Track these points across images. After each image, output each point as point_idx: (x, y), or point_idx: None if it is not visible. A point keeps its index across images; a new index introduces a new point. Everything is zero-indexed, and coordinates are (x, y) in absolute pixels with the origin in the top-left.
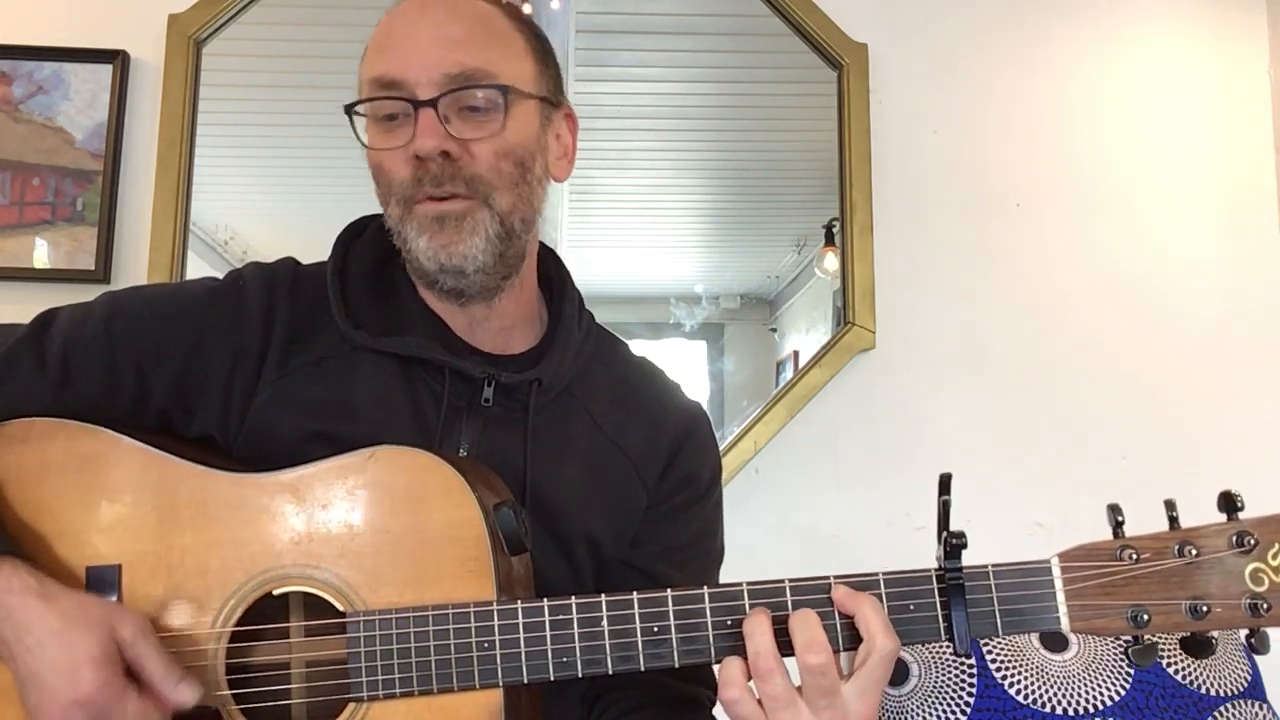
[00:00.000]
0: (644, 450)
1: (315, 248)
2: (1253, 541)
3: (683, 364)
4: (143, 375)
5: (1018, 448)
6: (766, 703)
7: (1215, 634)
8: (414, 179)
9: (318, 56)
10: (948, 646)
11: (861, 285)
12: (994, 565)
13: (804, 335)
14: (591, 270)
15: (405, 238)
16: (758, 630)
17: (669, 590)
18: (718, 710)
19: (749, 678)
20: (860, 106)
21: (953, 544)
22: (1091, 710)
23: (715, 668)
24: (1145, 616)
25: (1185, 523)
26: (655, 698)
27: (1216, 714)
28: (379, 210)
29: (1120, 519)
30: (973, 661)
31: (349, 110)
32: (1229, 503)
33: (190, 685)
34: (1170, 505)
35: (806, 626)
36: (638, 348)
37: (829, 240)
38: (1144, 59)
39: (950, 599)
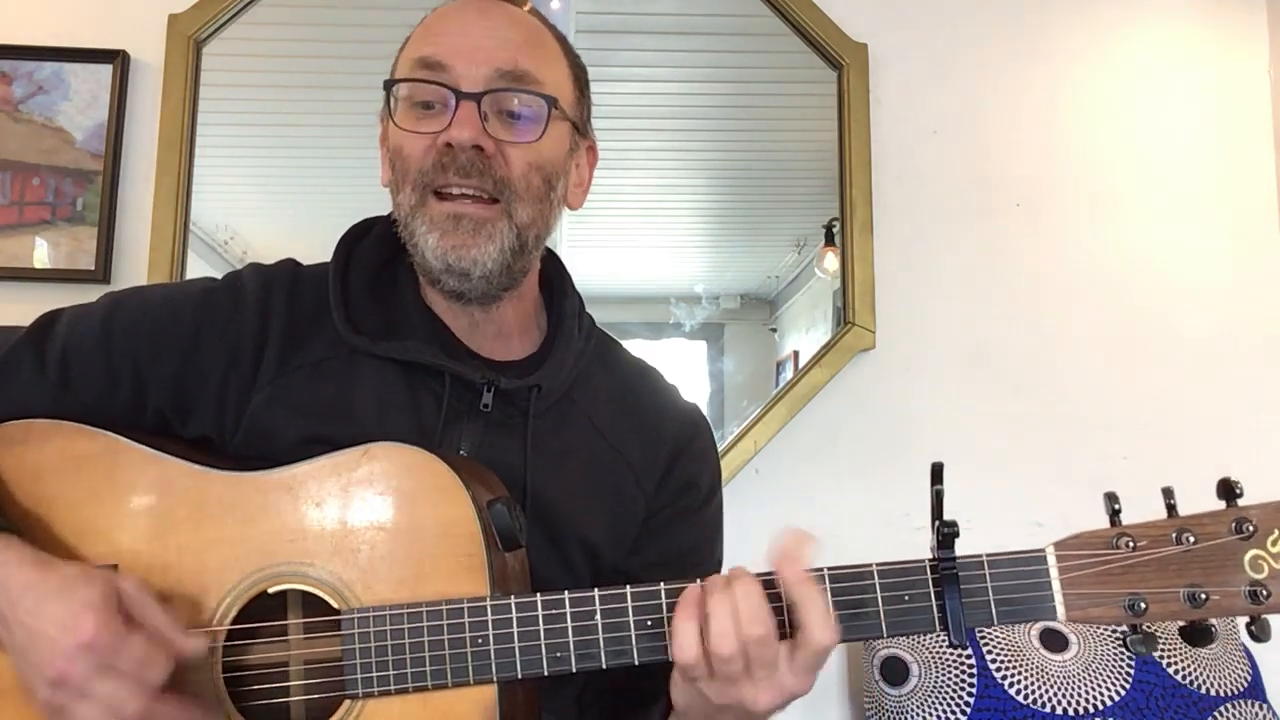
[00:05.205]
0: (643, 458)
1: (315, 248)
2: (1252, 528)
3: (683, 364)
4: (139, 376)
5: (1018, 448)
6: (718, 667)
7: (1214, 623)
8: (437, 164)
9: (317, 56)
10: (943, 637)
11: (861, 285)
12: (988, 555)
13: (804, 335)
14: (592, 270)
15: (414, 231)
16: (719, 609)
17: (662, 584)
18: None
19: (703, 645)
20: (860, 106)
21: (945, 533)
22: (1091, 710)
23: None
24: (1143, 605)
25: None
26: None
27: (1216, 714)
28: (379, 212)
29: (1117, 507)
30: (973, 661)
31: (388, 86)
32: (1228, 489)
33: (197, 638)
34: (1168, 493)
35: (749, 600)
36: (638, 348)
37: (829, 240)
38: (1144, 59)
39: (945, 588)
